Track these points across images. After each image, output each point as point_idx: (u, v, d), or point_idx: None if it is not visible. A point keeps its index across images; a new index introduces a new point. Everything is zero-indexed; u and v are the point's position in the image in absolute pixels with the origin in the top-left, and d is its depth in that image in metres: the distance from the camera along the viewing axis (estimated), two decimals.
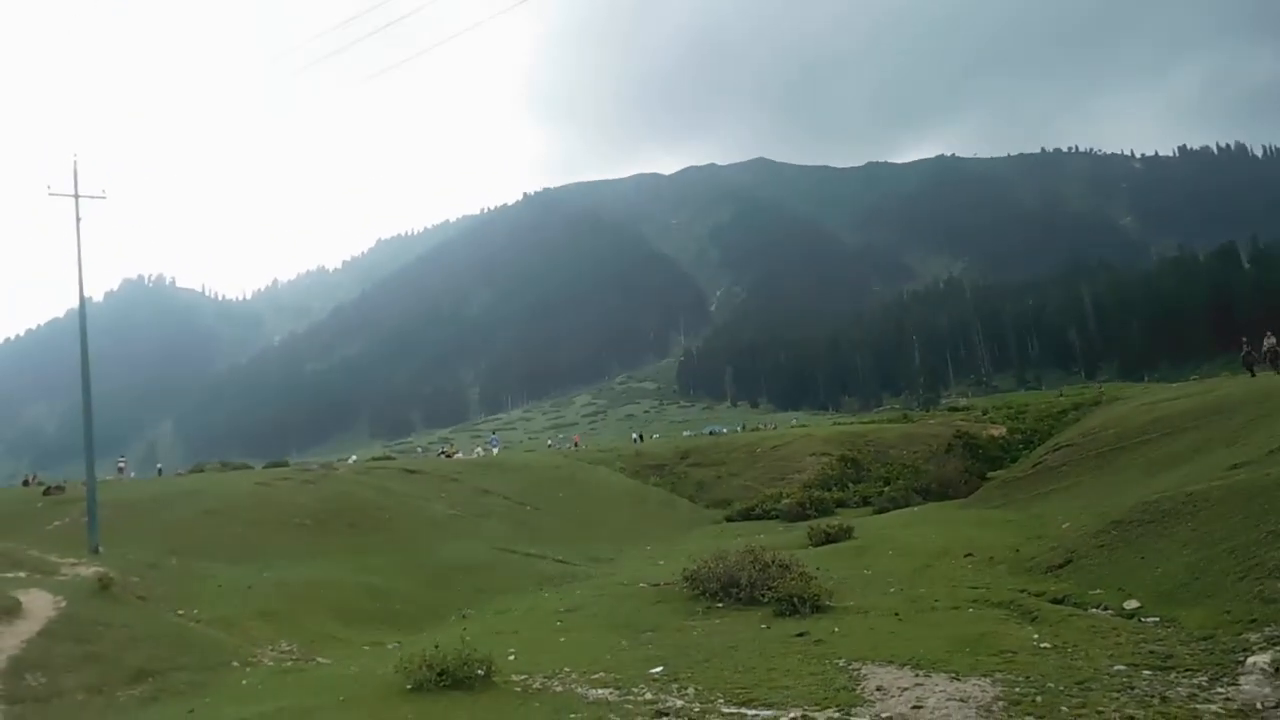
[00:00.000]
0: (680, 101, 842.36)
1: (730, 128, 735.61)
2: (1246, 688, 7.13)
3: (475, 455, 52.69)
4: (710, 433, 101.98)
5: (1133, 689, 7.48)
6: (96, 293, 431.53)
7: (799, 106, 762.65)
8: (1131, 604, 11.38)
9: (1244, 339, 41.23)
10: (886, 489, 41.65)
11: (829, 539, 26.46)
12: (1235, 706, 6.77)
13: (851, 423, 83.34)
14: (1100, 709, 6.90)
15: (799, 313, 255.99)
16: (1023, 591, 13.54)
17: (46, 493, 30.94)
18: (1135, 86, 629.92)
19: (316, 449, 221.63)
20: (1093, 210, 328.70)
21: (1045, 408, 66.31)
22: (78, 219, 23.05)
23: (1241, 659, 7.91)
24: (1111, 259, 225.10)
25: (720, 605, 15.80)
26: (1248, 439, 20.46)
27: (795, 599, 14.01)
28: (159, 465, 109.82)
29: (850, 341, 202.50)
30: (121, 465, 64.47)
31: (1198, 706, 6.85)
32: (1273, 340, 36.91)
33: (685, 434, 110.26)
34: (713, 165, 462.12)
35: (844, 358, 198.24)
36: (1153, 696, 7.17)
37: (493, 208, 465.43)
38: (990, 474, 42.52)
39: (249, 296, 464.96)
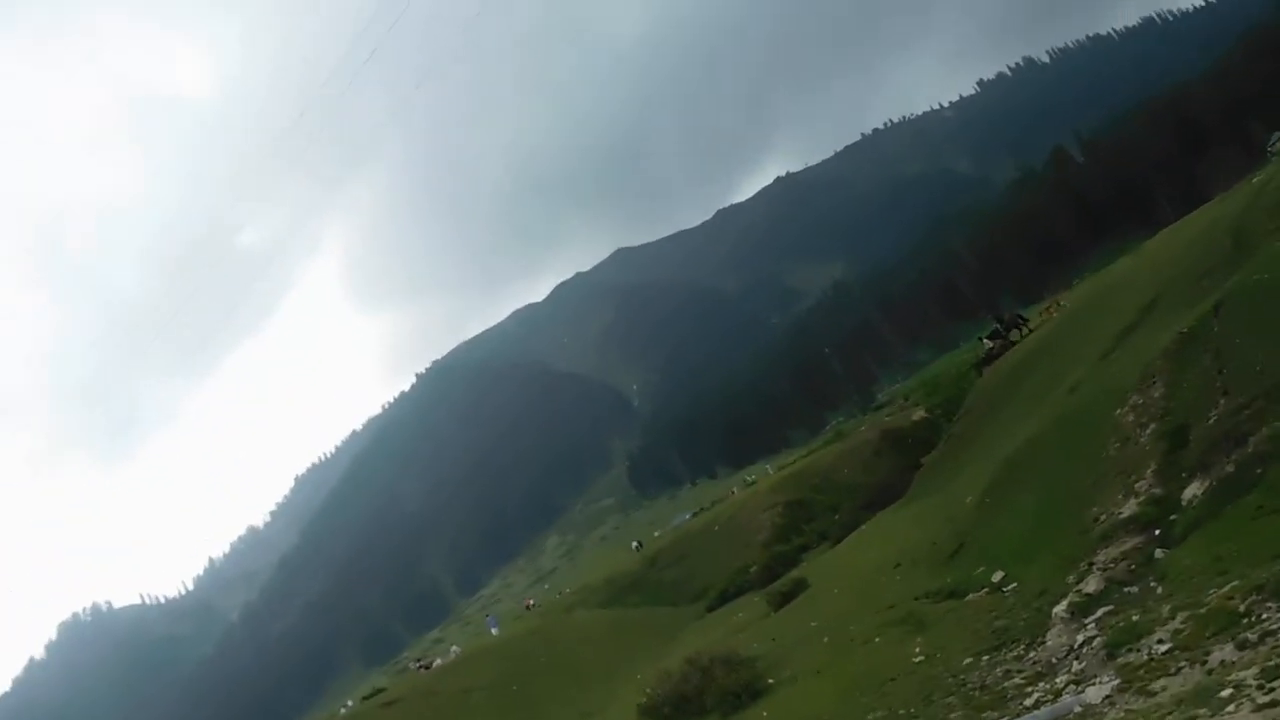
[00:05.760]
0: (526, 226, 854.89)
1: (581, 232, 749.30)
2: (1050, 644, 7.76)
3: (452, 655, 51.62)
4: (677, 525, 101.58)
5: (965, 684, 8.09)
6: (37, 649, 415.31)
7: (635, 189, 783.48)
8: (998, 575, 12.07)
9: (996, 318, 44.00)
10: (836, 517, 42.21)
11: (786, 598, 26.83)
12: (1038, 670, 7.38)
13: (794, 461, 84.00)
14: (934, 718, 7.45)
15: (716, 372, 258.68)
16: (922, 596, 14.17)
17: None
18: (910, 44, 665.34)
19: (318, 704, 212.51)
20: (930, 169, 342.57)
21: (956, 371, 67.39)
22: None
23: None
24: (966, 204, 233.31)
25: None
26: (1083, 351, 21.82)
27: (732, 695, 14.35)
28: None
29: (773, 378, 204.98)
30: None
31: (1006, 685, 7.45)
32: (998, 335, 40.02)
33: (655, 534, 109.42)
34: (579, 273, 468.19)
35: (774, 395, 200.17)
36: (976, 688, 7.77)
37: (391, 400, 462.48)
38: (924, 459, 43.33)
39: (191, 586, 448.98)
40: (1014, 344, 37.96)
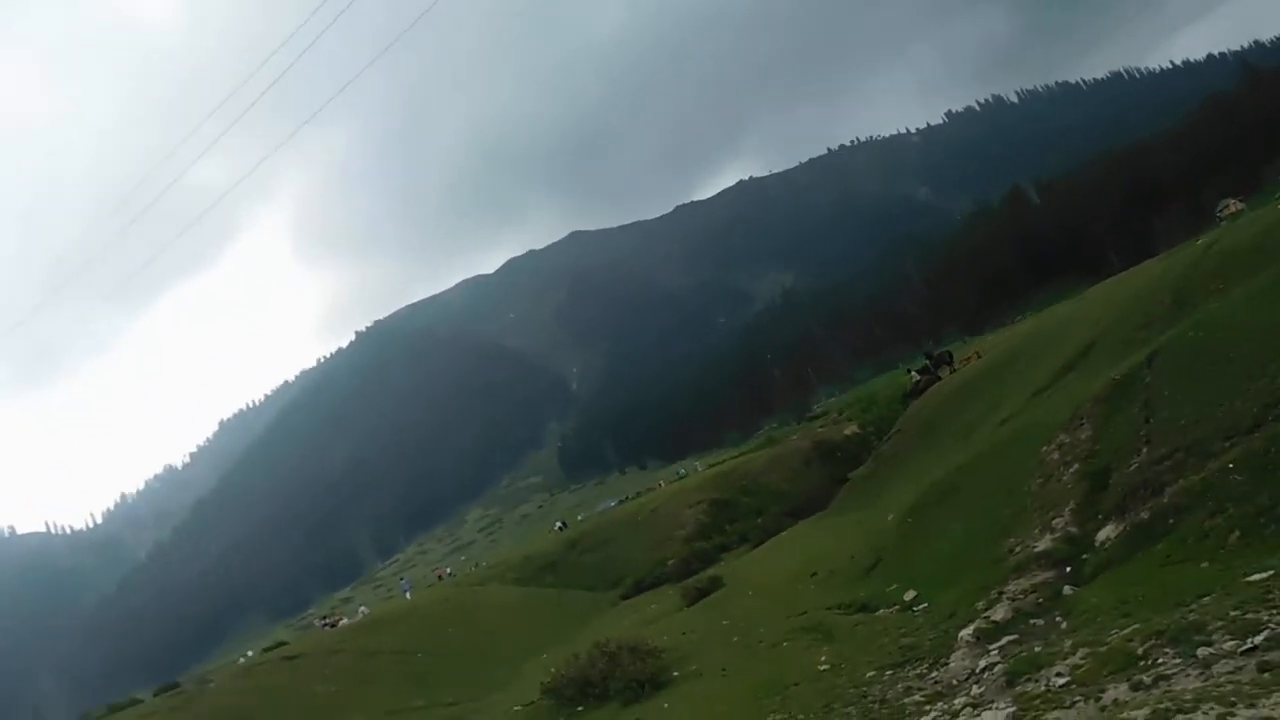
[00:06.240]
0: (482, 198, 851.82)
1: (538, 210, 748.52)
2: (952, 666, 7.90)
3: (359, 615, 51.16)
4: (602, 510, 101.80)
5: (866, 696, 8.21)
6: None
7: (596, 175, 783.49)
8: (910, 594, 12.24)
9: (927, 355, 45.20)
10: (759, 520, 42.58)
11: (701, 594, 27.00)
12: (938, 689, 7.51)
13: (724, 460, 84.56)
14: None
15: (658, 365, 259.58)
16: (834, 607, 14.34)
17: None
18: (883, 70, 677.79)
19: (217, 652, 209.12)
20: (890, 191, 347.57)
21: (892, 391, 68.23)
22: None
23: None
24: (921, 231, 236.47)
25: (580, 709, 16.02)
26: (1019, 386, 22.28)
27: (636, 683, 14.38)
28: None
29: (714, 378, 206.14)
30: None
31: (905, 701, 7.57)
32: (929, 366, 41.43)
33: (579, 517, 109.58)
34: (531, 251, 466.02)
35: (712, 394, 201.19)
36: (875, 701, 7.89)
37: (328, 355, 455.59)
38: (850, 474, 43.89)
39: (100, 520, 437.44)
40: (940, 379, 38.62)
